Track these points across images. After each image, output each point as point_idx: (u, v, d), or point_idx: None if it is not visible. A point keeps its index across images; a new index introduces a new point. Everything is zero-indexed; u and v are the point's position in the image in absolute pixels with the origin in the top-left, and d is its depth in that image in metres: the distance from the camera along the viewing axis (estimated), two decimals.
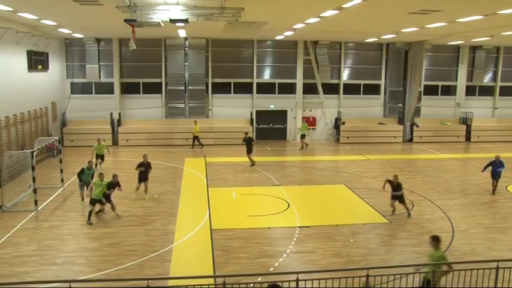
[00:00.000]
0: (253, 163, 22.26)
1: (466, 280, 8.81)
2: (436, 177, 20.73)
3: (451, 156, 25.70)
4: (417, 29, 20.76)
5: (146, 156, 17.36)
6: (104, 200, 14.48)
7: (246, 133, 23.04)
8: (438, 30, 20.93)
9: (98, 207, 14.42)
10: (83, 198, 16.04)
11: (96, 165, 20.31)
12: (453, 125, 31.36)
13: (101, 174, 14.79)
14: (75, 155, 24.32)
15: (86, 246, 12.34)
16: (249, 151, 22.39)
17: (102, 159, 21.06)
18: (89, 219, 14.03)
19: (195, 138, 27.20)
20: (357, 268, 10.13)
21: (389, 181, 15.13)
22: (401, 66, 30.61)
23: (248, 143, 22.43)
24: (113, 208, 14.61)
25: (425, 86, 31.58)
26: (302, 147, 27.57)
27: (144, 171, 16.93)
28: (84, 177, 16.02)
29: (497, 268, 8.82)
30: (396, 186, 14.95)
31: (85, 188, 15.86)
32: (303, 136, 27.73)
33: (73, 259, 11.50)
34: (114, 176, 15.05)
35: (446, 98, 32.21)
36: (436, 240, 9.34)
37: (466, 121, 31.41)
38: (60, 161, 18.73)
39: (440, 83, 32.11)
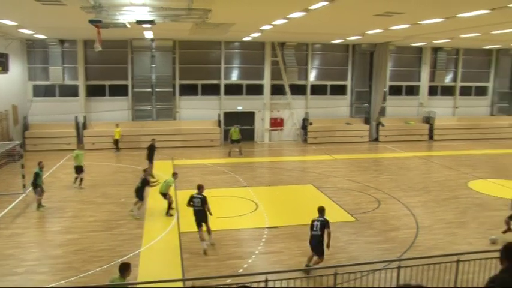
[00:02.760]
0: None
1: (430, 274, 9.08)
2: (401, 175, 21.21)
3: (415, 155, 26.36)
4: (382, 30, 21.21)
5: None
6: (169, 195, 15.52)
7: (153, 139, 21.31)
8: (402, 32, 21.43)
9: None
10: (39, 204, 15.41)
11: (76, 179, 18.65)
12: (417, 124, 32.17)
13: (174, 174, 15.96)
14: (38, 159, 23.61)
15: (50, 254, 12.01)
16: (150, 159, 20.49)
17: (82, 171, 18.62)
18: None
19: (116, 141, 26.58)
20: (325, 267, 10.25)
21: None
22: (367, 67, 31.21)
23: (150, 150, 20.60)
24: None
25: (390, 86, 32.27)
26: (240, 153, 25.76)
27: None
28: (39, 180, 15.41)
29: (458, 261, 9.15)
30: None
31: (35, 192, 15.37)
32: (233, 141, 26.00)
33: (36, 268, 11.17)
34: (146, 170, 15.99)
35: (410, 97, 33.01)
36: (124, 268, 8.31)
37: (429, 120, 32.27)
38: (22, 166, 18.16)
39: (404, 83, 32.89)
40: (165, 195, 15.40)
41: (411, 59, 32.71)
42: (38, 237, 13.24)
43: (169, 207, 15.32)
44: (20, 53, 26.81)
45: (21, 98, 26.98)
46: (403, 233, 13.64)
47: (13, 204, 16.05)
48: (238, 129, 26.32)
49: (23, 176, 17.59)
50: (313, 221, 11.02)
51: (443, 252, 11.49)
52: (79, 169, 18.63)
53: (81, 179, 18.58)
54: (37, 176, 15.44)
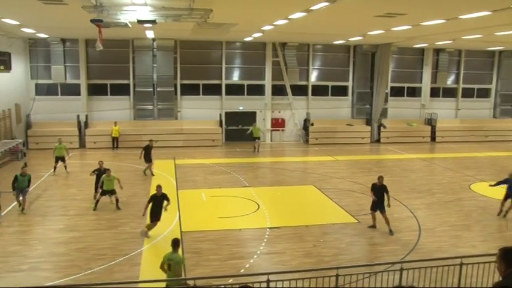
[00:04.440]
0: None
1: (432, 276, 9.06)
2: (403, 177, 21.18)
3: (417, 156, 26.33)
4: (383, 31, 21.19)
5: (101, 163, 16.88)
6: (115, 191, 15.70)
7: (150, 140, 21.46)
8: (403, 33, 21.41)
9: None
10: (20, 204, 15.36)
11: (55, 168, 20.31)
12: (419, 126, 32.13)
13: (107, 170, 15.78)
14: (41, 157, 23.68)
15: (53, 251, 12.04)
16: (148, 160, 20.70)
17: (63, 161, 20.40)
18: (95, 206, 15.47)
19: (115, 139, 26.85)
20: (327, 268, 10.24)
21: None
22: (369, 68, 31.17)
23: (146, 150, 20.68)
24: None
25: (391, 87, 32.21)
26: (254, 149, 27.08)
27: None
28: (19, 184, 15.31)
29: (461, 264, 9.14)
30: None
31: (20, 195, 15.34)
32: (255, 138, 27.16)
33: (39, 265, 11.20)
34: (158, 187, 13.43)
35: (412, 99, 32.97)
36: (176, 242, 9.50)
37: (431, 122, 32.24)
38: (25, 165, 18.18)
39: (406, 85, 32.84)
40: (111, 192, 15.69)
41: (413, 60, 32.68)
42: (42, 235, 13.25)
43: (117, 202, 15.72)
44: (22, 52, 26.84)
45: (24, 96, 27.01)
46: (406, 235, 13.62)
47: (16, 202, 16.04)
48: (259, 127, 27.95)
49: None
50: None
51: (446, 255, 11.47)
52: (61, 159, 20.33)
53: (55, 168, 20.31)
54: (15, 179, 15.34)
